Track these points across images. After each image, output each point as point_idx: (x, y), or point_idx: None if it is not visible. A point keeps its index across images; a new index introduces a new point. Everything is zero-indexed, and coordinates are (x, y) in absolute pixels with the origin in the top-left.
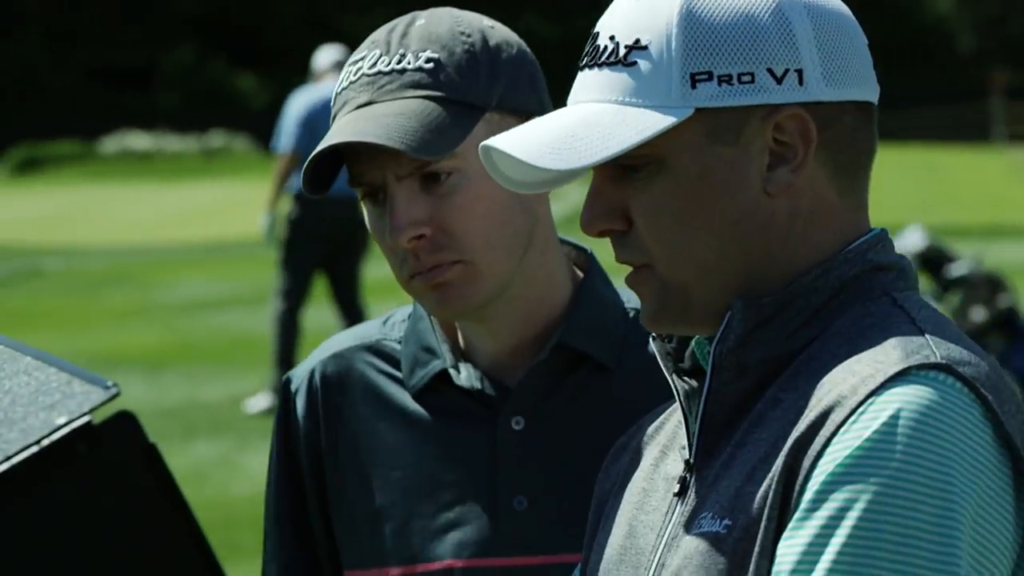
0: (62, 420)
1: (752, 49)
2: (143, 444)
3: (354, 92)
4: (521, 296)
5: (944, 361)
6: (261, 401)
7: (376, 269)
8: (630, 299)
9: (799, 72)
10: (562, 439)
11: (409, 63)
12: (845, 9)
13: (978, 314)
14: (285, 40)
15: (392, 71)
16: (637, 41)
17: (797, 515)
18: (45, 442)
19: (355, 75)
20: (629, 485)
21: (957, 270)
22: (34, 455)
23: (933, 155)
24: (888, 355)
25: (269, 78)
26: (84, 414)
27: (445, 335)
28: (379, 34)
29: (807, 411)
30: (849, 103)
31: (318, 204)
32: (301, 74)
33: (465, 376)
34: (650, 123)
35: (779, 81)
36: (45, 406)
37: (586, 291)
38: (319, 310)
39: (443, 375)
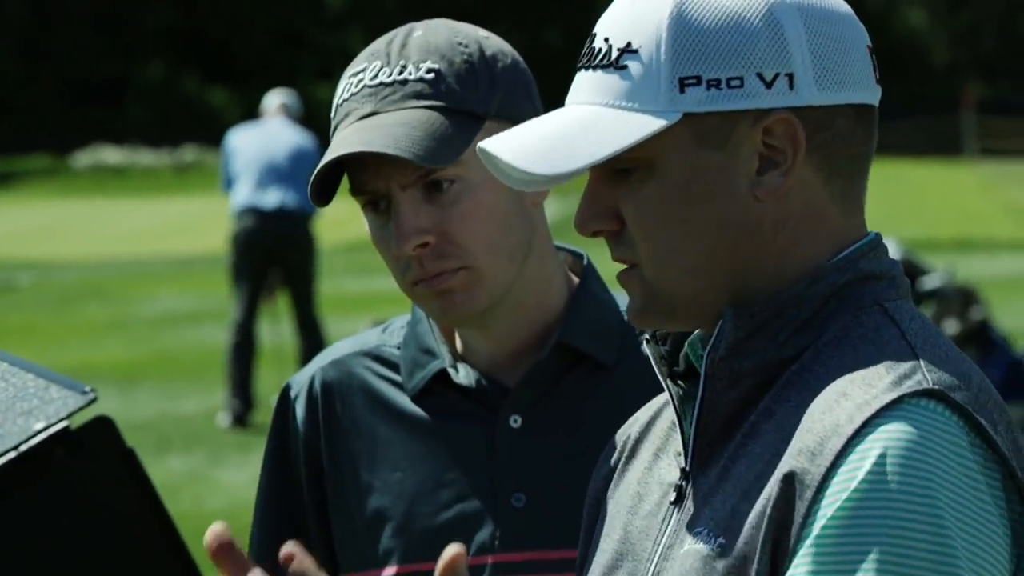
0: (40, 425)
1: (741, 53)
2: (121, 449)
3: (356, 103)
4: (520, 301)
5: (936, 387)
6: (223, 419)
7: (330, 286)
8: (625, 301)
9: (790, 76)
10: (560, 437)
11: (410, 74)
12: (845, 10)
13: (951, 327)
14: (258, 55)
15: (394, 82)
16: (629, 44)
17: (796, 564)
18: (23, 447)
19: (356, 87)
20: (622, 485)
21: (930, 283)
22: (12, 461)
23: (905, 169)
24: (881, 379)
25: (241, 93)
26: (62, 419)
27: (444, 337)
28: (377, 46)
29: (802, 433)
30: (845, 106)
31: (256, 220)
32: (273, 88)
33: (464, 375)
34: (637, 127)
35: (768, 85)
36: (23, 412)
37: (583, 294)
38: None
39: (442, 376)
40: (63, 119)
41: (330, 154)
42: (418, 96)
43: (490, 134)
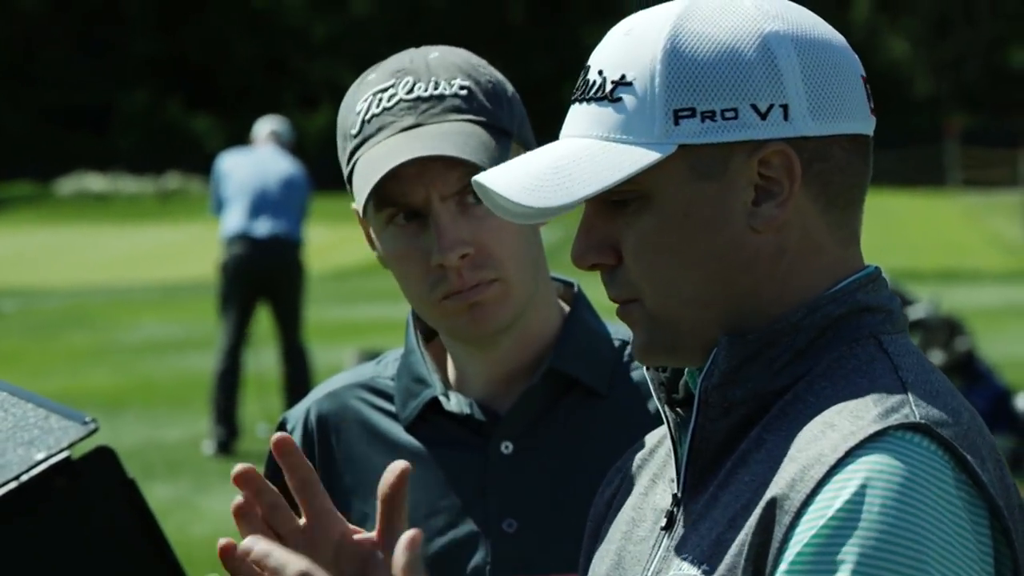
0: (40, 456)
1: (735, 85)
2: (122, 479)
3: (393, 116)
4: (527, 321)
5: (923, 421)
6: (207, 447)
7: (315, 313)
8: (617, 331)
9: (784, 107)
10: (552, 463)
11: (445, 89)
12: (838, 40)
13: (936, 357)
14: (241, 82)
15: (431, 96)
16: (623, 77)
17: None
18: (24, 478)
19: (389, 101)
20: (620, 511)
21: (915, 313)
22: (13, 491)
23: (889, 199)
24: (869, 411)
25: (225, 120)
26: (63, 449)
27: (436, 366)
28: (400, 64)
29: (787, 463)
30: (840, 136)
31: (247, 247)
32: (257, 116)
33: (455, 402)
34: (632, 160)
35: (763, 117)
36: (23, 442)
37: (574, 321)
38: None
39: (435, 404)
40: (47, 146)
41: (390, 160)
42: (457, 110)
43: (515, 153)
